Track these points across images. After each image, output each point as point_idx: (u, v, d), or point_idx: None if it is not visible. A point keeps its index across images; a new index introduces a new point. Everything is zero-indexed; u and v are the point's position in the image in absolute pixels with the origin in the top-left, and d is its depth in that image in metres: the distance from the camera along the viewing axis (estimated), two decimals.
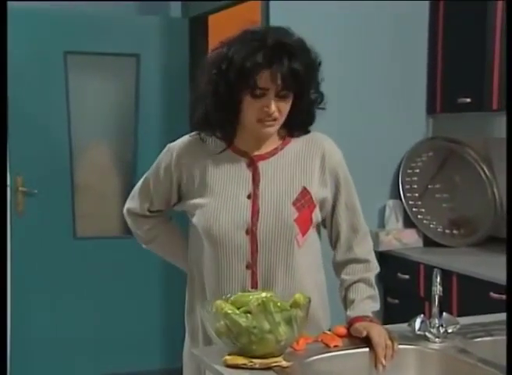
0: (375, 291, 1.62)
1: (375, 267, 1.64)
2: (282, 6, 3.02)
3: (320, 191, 1.57)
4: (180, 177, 1.62)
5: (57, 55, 3.44)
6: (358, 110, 3.19)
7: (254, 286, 1.54)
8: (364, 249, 1.63)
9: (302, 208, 1.53)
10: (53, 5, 3.38)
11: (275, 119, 1.49)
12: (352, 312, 1.57)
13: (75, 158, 3.53)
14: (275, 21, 3.03)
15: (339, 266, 1.64)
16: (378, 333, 1.49)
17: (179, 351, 1.74)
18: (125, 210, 1.74)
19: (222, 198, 1.54)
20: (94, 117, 3.62)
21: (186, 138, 1.65)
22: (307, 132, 1.61)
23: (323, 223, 1.64)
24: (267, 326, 1.37)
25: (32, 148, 3.33)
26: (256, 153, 1.56)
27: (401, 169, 3.25)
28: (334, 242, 1.65)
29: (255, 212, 1.53)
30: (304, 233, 1.55)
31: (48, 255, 3.46)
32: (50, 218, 3.47)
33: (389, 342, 1.48)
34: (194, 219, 1.58)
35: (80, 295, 3.51)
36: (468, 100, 3.00)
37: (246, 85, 1.44)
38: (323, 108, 1.56)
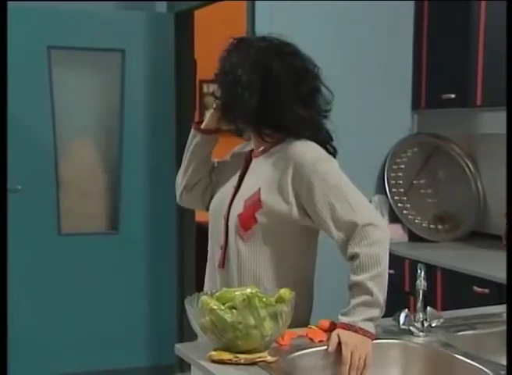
0: (371, 297, 1.49)
1: (373, 263, 1.51)
2: (268, 3, 3.02)
3: (273, 200, 1.58)
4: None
5: (41, 50, 3.41)
6: (343, 107, 3.18)
7: (220, 265, 1.67)
8: (361, 243, 1.52)
9: (248, 206, 1.62)
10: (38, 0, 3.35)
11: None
12: (342, 317, 1.51)
13: (59, 154, 3.51)
14: (260, 17, 3.02)
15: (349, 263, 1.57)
16: (353, 349, 1.44)
17: (167, 347, 1.75)
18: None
19: (220, 186, 1.75)
20: (79, 113, 3.59)
21: None
22: (285, 137, 1.64)
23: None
24: (252, 321, 1.37)
25: (15, 143, 3.29)
26: (255, 150, 1.71)
27: (386, 165, 3.26)
28: (337, 243, 1.58)
29: (230, 202, 1.68)
30: (245, 230, 1.61)
31: (33, 252, 3.44)
32: (34, 214, 3.44)
33: (360, 363, 1.44)
34: None
35: (66, 292, 3.49)
36: (453, 96, 3.02)
37: None
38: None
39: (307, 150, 1.59)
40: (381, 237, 1.54)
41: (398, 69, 3.29)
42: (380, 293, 1.51)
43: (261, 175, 1.64)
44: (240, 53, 1.62)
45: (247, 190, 1.65)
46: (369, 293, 1.50)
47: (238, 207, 1.63)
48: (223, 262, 1.66)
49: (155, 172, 3.60)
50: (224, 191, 1.72)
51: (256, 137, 1.68)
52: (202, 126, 1.73)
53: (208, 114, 1.73)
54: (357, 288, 1.51)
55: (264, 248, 1.62)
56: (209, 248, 1.76)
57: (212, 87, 1.87)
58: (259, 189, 1.61)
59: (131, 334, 3.59)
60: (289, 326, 1.49)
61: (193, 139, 1.75)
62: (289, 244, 1.63)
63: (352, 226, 1.53)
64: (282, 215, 1.58)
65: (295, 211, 1.57)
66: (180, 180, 1.80)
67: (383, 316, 1.58)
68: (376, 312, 1.51)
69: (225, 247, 1.66)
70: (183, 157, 1.80)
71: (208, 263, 1.76)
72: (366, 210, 1.56)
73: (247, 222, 1.61)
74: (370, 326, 1.50)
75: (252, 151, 1.73)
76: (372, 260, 1.51)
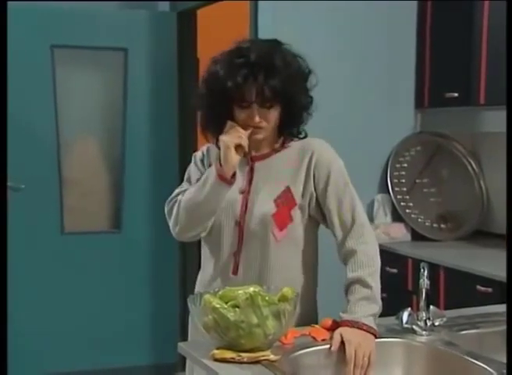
0: (371, 291, 1.55)
1: (369, 261, 1.58)
2: (271, 2, 3.01)
3: (303, 190, 1.64)
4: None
5: (44, 49, 3.41)
6: (347, 105, 3.20)
7: (235, 272, 1.66)
8: (358, 241, 1.60)
9: (281, 205, 1.63)
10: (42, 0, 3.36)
11: (261, 127, 1.61)
12: (343, 315, 1.55)
13: (62, 153, 3.51)
14: (263, 17, 3.03)
15: (343, 262, 1.63)
16: (356, 347, 1.45)
17: (169, 345, 1.74)
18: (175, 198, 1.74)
19: None
20: (82, 111, 3.59)
21: None
22: (299, 135, 1.69)
23: (325, 224, 1.68)
24: (255, 320, 1.38)
25: (19, 142, 3.30)
26: (255, 154, 1.69)
27: (389, 164, 3.26)
28: (336, 239, 1.66)
29: (244, 206, 1.65)
30: (281, 228, 1.63)
31: (36, 251, 3.44)
32: (37, 213, 3.45)
33: (364, 361, 1.45)
34: None
35: (68, 290, 3.49)
36: (456, 95, 3.01)
37: (232, 99, 1.59)
38: (310, 114, 1.67)
39: (324, 146, 1.69)
40: (373, 238, 1.65)
41: (401, 67, 3.28)
42: (377, 289, 1.58)
43: (277, 175, 1.65)
44: (294, 59, 1.61)
45: (263, 192, 1.64)
46: (369, 287, 1.56)
47: (262, 209, 1.62)
48: (237, 269, 1.65)
49: (158, 171, 3.60)
50: (227, 198, 1.64)
51: (272, 140, 1.67)
52: (230, 176, 1.57)
53: (231, 155, 1.55)
54: (356, 284, 1.56)
55: (294, 248, 1.66)
56: (209, 258, 1.72)
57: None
58: (287, 187, 1.64)
59: (133, 333, 3.59)
60: (302, 324, 1.53)
61: (223, 191, 1.59)
62: (311, 242, 1.70)
63: (350, 224, 1.62)
64: (310, 209, 1.65)
65: (313, 202, 1.65)
66: (194, 226, 1.68)
67: (386, 315, 1.58)
68: (376, 308, 1.56)
69: (239, 253, 1.64)
70: (199, 203, 1.61)
71: (204, 272, 1.75)
72: (361, 211, 1.66)
73: (284, 220, 1.63)
74: (372, 322, 1.52)
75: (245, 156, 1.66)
76: (369, 258, 1.60)
